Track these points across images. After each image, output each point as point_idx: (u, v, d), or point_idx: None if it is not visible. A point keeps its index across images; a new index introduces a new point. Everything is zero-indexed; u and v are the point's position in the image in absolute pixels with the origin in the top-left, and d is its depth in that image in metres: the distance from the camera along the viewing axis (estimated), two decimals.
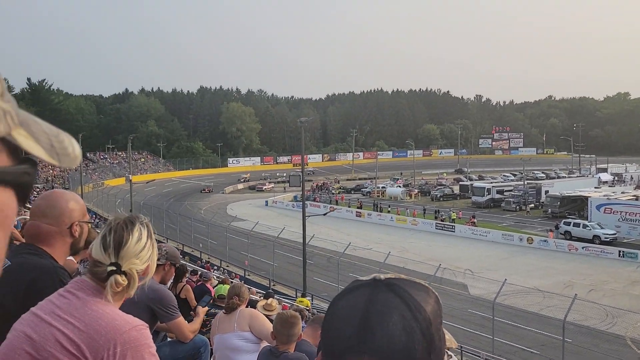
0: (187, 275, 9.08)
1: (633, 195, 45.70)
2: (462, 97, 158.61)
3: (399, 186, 69.77)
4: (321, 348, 0.79)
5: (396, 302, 0.75)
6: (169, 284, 4.88)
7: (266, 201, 61.74)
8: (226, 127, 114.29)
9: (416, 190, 66.06)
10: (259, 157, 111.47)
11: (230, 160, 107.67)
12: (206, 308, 4.34)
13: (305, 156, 35.90)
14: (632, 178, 69.50)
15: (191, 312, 3.88)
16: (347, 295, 0.78)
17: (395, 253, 29.60)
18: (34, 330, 1.54)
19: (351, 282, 0.85)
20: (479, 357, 17.16)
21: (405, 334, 0.72)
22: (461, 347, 18.11)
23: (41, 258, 2.10)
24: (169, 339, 3.96)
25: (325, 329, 0.78)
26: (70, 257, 3.36)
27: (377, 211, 51.91)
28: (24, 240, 2.38)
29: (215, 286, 10.10)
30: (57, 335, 1.51)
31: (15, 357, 1.51)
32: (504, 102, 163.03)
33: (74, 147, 0.50)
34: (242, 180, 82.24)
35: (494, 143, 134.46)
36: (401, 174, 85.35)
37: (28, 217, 2.88)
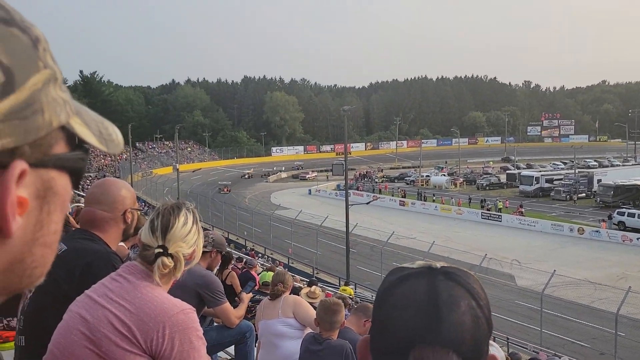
0: (233, 262, 9.28)
1: None
2: (509, 83, 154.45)
3: (444, 175, 68.70)
4: (376, 338, 0.77)
5: (461, 291, 0.75)
6: (215, 270, 5.00)
7: (309, 190, 62.07)
8: (269, 116, 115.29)
9: (461, 179, 64.92)
10: (302, 146, 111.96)
11: (273, 149, 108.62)
12: (250, 294, 4.42)
13: (348, 145, 35.82)
14: None
15: (236, 298, 3.96)
16: (403, 284, 0.77)
17: (440, 242, 29.25)
18: (88, 312, 1.62)
19: (394, 269, 0.83)
20: (526, 348, 16.82)
21: (473, 324, 0.73)
22: (508, 338, 17.82)
23: (95, 243, 2.19)
24: (215, 324, 4.06)
25: (382, 319, 0.76)
26: (122, 243, 3.49)
27: (421, 200, 51.36)
28: (78, 226, 2.48)
29: (260, 273, 10.28)
30: (109, 317, 1.58)
31: (71, 337, 1.59)
32: (554, 87, 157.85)
33: (117, 134, 0.53)
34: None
35: (543, 130, 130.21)
36: (446, 162, 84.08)
37: (82, 205, 2.99)
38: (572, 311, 21.84)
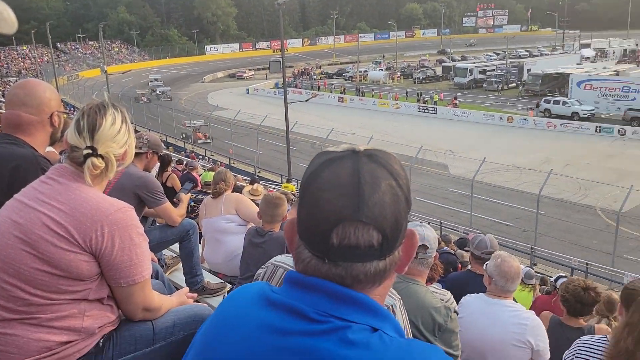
0: (172, 164, 9.18)
1: (614, 71, 45.71)
2: None
3: (381, 69, 68.64)
4: (303, 219, 0.81)
5: (382, 172, 0.80)
6: (153, 172, 4.95)
7: (247, 89, 60.73)
8: (201, 12, 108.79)
9: (398, 74, 65.20)
10: (237, 44, 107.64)
11: (207, 47, 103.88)
12: (189, 195, 4.44)
13: (284, 41, 34.73)
14: (614, 53, 68.97)
15: (174, 199, 3.98)
16: (329, 167, 0.80)
17: (378, 137, 29.85)
18: (19, 215, 1.59)
19: (320, 153, 0.86)
20: (458, 231, 18.09)
21: (393, 202, 0.79)
22: (441, 222, 19.06)
23: (21, 147, 2.11)
24: (157, 224, 4.10)
25: (309, 200, 0.80)
26: (51, 149, 3.36)
27: (359, 96, 51.54)
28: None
29: (201, 175, 10.26)
30: (43, 219, 1.57)
31: (5, 241, 1.58)
32: None
33: (8, 12, 0.48)
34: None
35: (478, 20, 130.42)
36: (383, 56, 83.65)
37: (3, 111, 2.83)
38: (499, 195, 23.43)
